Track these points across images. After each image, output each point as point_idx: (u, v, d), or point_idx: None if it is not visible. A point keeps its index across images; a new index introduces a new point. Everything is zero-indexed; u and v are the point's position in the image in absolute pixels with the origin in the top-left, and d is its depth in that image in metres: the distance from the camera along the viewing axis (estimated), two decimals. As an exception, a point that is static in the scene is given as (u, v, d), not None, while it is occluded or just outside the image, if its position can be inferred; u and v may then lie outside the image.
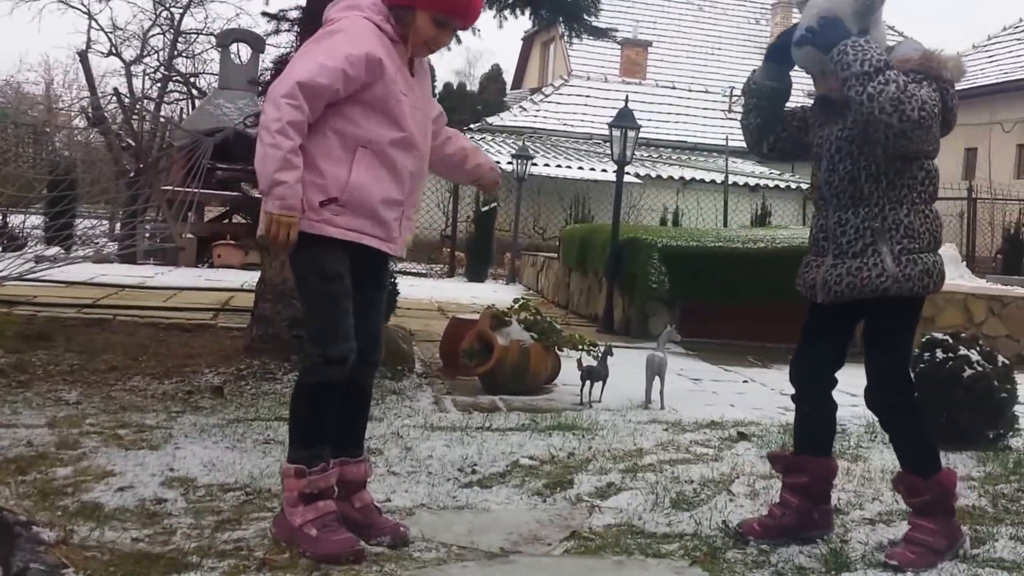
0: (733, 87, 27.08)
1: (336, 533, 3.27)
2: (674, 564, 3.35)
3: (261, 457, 4.38)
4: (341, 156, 3.27)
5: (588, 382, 6.26)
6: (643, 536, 3.62)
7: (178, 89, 30.35)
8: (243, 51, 20.65)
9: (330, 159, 3.26)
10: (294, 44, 7.28)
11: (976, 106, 22.87)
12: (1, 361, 6.53)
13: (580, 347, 6.76)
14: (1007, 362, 5.52)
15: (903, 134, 3.22)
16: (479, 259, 18.27)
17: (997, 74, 23.82)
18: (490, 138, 25.60)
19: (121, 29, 30.21)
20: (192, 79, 29.51)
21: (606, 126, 11.99)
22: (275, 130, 3.14)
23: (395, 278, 8.46)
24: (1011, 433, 5.45)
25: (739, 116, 3.86)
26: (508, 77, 37.75)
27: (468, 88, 36.81)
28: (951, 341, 5.45)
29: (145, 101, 27.26)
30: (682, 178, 24.12)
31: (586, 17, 8.87)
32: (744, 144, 3.88)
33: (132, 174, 15.25)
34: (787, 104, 3.73)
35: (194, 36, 30.63)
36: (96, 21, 29.91)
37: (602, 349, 6.48)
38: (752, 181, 24.27)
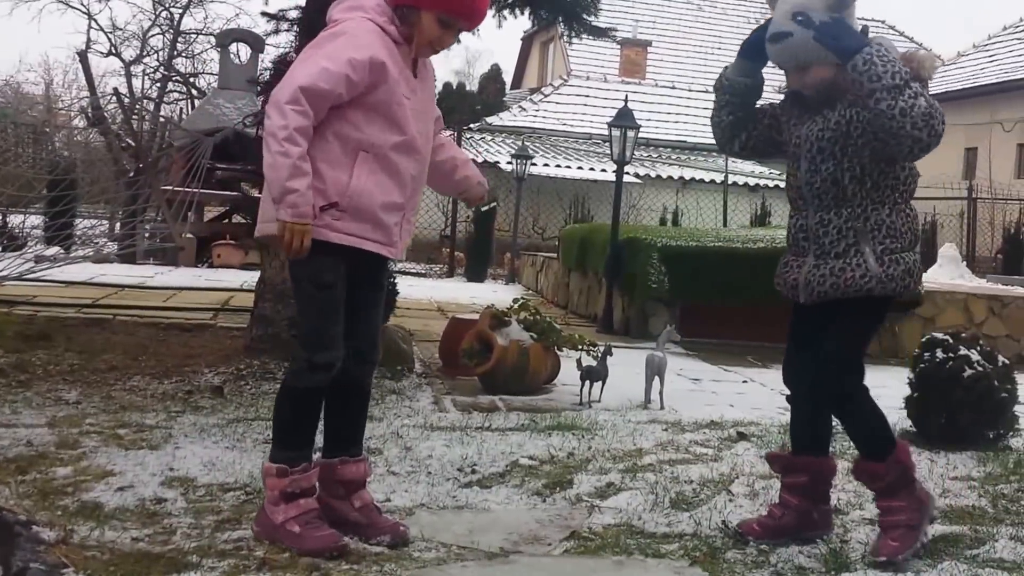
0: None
1: (319, 529, 3.29)
2: (674, 564, 3.35)
3: (261, 457, 4.36)
4: (342, 160, 3.27)
5: (588, 382, 6.26)
6: (643, 536, 3.62)
7: (178, 89, 30.38)
8: (243, 51, 20.66)
9: (331, 163, 3.25)
10: (293, 44, 7.28)
11: (976, 105, 22.90)
12: (1, 361, 6.53)
13: (580, 347, 6.76)
14: (1007, 362, 5.52)
15: (927, 148, 3.22)
16: (478, 259, 18.27)
17: (998, 73, 23.84)
18: (489, 138, 25.61)
19: (121, 29, 30.25)
20: (192, 79, 29.53)
21: (606, 126, 11.99)
22: (283, 137, 3.12)
23: (394, 278, 8.45)
24: (1011, 433, 5.45)
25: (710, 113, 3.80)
26: (508, 77, 37.78)
27: (467, 88, 36.80)
28: (951, 341, 5.45)
29: (145, 101, 27.28)
30: (681, 178, 24.13)
31: (585, 17, 8.85)
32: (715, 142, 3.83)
33: (132, 174, 15.23)
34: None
35: (194, 36, 30.65)
36: (96, 21, 29.96)
37: (602, 349, 6.48)
38: (752, 181, 24.27)
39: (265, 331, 7.01)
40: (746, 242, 10.20)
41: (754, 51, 3.57)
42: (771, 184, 24.22)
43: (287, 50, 7.42)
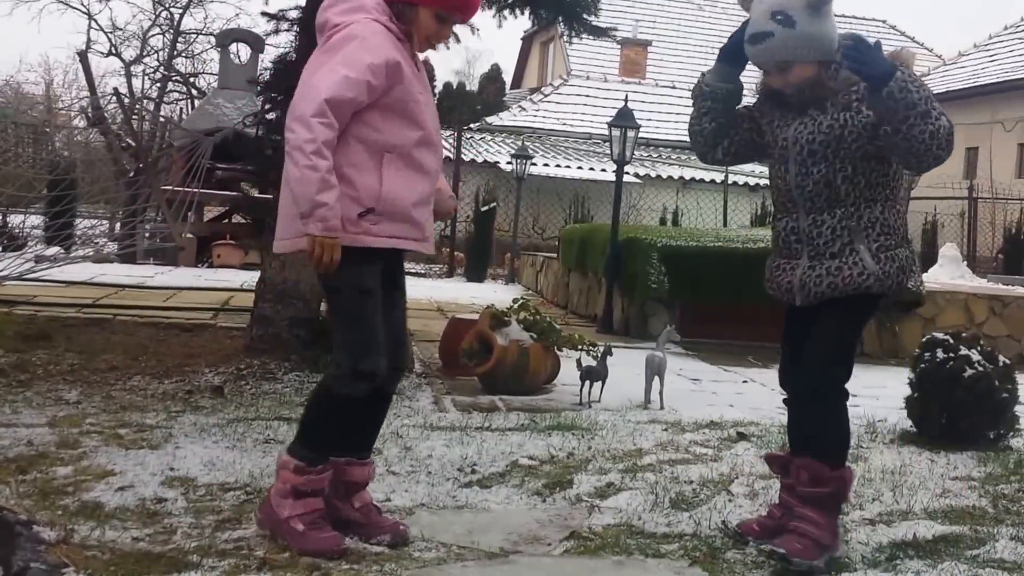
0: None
1: (323, 530, 3.29)
2: (674, 564, 3.35)
3: (261, 456, 4.38)
4: (368, 164, 3.25)
5: (588, 382, 6.26)
6: (643, 536, 3.62)
7: (178, 89, 30.41)
8: (242, 51, 20.64)
9: (358, 168, 3.24)
10: (293, 44, 7.27)
11: (977, 105, 22.88)
12: (1, 361, 6.53)
13: (579, 347, 6.75)
14: (1008, 362, 5.52)
15: (941, 162, 3.24)
16: (478, 259, 18.27)
17: (998, 73, 23.82)
18: (489, 138, 25.60)
19: (121, 29, 30.31)
20: (192, 79, 29.55)
21: (606, 126, 11.99)
22: (311, 151, 3.10)
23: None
24: (1012, 433, 5.46)
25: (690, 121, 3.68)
26: (507, 77, 37.77)
27: (467, 88, 36.80)
28: (952, 341, 5.45)
29: (145, 101, 27.28)
30: (682, 178, 24.12)
31: (585, 16, 8.84)
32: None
33: (132, 174, 15.20)
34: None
35: (194, 36, 30.70)
36: (96, 21, 30.04)
37: (601, 349, 6.48)
38: (752, 181, 24.25)
39: (265, 331, 7.01)
40: (746, 242, 10.20)
41: (733, 55, 3.52)
42: (771, 184, 24.20)
43: (287, 50, 7.41)
